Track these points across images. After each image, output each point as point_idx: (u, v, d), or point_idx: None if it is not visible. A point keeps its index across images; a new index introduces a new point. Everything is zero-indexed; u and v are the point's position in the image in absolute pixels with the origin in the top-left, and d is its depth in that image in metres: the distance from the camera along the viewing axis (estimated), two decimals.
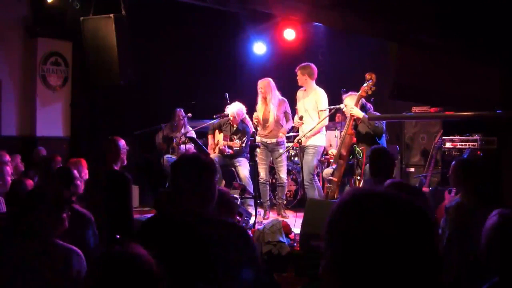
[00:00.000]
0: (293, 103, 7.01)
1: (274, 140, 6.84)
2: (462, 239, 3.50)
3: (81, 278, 2.53)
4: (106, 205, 3.78)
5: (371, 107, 6.12)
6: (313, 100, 6.55)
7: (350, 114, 5.83)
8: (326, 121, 6.61)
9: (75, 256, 2.64)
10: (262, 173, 6.84)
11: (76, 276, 2.57)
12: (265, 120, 6.80)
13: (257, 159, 6.83)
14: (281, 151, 6.84)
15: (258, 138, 6.87)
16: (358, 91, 5.90)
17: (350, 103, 5.88)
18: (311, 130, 6.41)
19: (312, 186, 6.39)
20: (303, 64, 6.66)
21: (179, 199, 2.35)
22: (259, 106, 6.85)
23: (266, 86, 6.76)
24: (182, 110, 7.87)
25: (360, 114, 5.77)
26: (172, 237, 2.26)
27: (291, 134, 7.56)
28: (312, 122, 6.45)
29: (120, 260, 1.53)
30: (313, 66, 6.64)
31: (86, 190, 4.33)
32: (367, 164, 5.73)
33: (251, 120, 7.01)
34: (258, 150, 6.76)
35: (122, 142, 4.68)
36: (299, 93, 6.78)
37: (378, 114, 6.11)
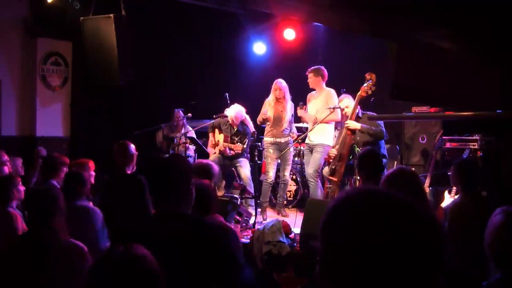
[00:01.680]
0: (294, 102, 7.05)
1: (287, 139, 6.87)
2: (460, 239, 3.50)
3: None
4: (124, 211, 3.78)
5: (360, 110, 6.09)
6: (324, 99, 6.59)
7: (347, 127, 5.85)
8: (337, 117, 6.57)
9: None
10: (271, 173, 6.82)
11: None
12: (278, 119, 6.80)
13: (267, 159, 6.83)
14: (291, 149, 6.89)
15: (270, 139, 6.85)
16: (358, 91, 5.90)
17: (350, 104, 5.90)
18: (312, 128, 6.44)
19: (316, 183, 6.41)
20: (314, 67, 6.71)
21: (156, 200, 2.45)
22: (270, 105, 6.83)
23: (286, 87, 6.82)
24: (181, 111, 7.86)
25: (357, 126, 5.80)
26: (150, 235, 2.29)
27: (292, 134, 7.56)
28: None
29: (124, 261, 1.52)
30: (324, 68, 6.71)
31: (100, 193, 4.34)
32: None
33: (254, 119, 7.01)
34: (270, 150, 6.78)
35: (133, 146, 4.69)
36: (310, 96, 6.85)
37: (375, 114, 6.13)
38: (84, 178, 3.98)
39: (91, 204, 3.92)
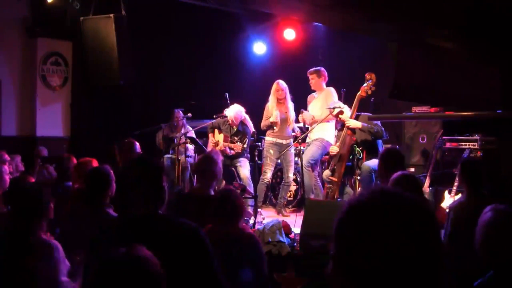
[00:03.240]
0: (294, 103, 7.05)
1: (289, 140, 6.89)
2: (464, 238, 3.50)
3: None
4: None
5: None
6: (323, 98, 6.62)
7: (347, 126, 5.86)
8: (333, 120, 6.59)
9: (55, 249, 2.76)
10: (269, 173, 6.84)
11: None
12: (284, 121, 6.83)
13: (267, 159, 6.84)
14: (292, 150, 6.90)
15: (272, 139, 6.85)
16: (358, 91, 5.91)
17: (347, 114, 5.92)
18: (312, 129, 6.45)
19: (309, 172, 6.42)
20: (314, 68, 6.73)
21: (129, 201, 2.40)
22: (274, 107, 6.83)
23: (286, 87, 6.84)
24: (180, 111, 7.86)
25: (358, 124, 5.81)
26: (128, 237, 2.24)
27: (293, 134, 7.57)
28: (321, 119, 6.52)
29: (127, 262, 1.51)
30: (323, 69, 6.76)
31: None
32: (364, 163, 5.77)
33: (254, 120, 7.02)
34: (271, 151, 6.79)
35: (138, 145, 4.66)
36: (311, 98, 6.87)
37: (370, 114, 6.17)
38: (111, 178, 3.72)
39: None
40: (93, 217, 3.47)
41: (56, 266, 2.73)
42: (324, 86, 6.74)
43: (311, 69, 6.75)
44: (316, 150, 6.50)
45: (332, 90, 6.66)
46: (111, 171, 3.75)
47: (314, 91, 6.86)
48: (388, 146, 6.61)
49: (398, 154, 4.29)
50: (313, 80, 6.70)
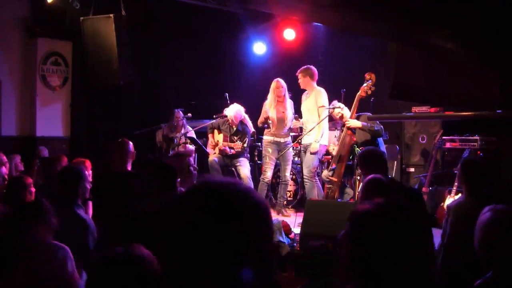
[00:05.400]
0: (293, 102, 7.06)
1: (287, 139, 6.87)
2: (464, 238, 3.50)
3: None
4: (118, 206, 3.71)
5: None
6: (314, 98, 6.59)
7: (347, 126, 5.87)
8: (326, 119, 6.60)
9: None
10: (269, 172, 6.82)
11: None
12: (281, 120, 6.81)
13: (266, 158, 6.83)
14: (290, 149, 6.90)
15: (270, 138, 6.85)
16: (358, 91, 5.91)
17: (347, 114, 5.93)
18: (311, 129, 6.44)
19: (312, 183, 6.42)
20: (303, 67, 6.71)
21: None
22: (270, 105, 6.82)
23: (285, 86, 6.84)
24: (180, 111, 7.85)
25: (358, 124, 5.80)
26: None
27: (292, 133, 7.56)
28: (313, 120, 6.49)
29: (124, 262, 1.51)
30: (313, 67, 6.70)
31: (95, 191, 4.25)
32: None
33: (254, 120, 7.02)
34: (269, 150, 6.78)
35: (131, 144, 4.70)
36: (303, 97, 6.85)
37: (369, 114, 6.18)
38: (81, 175, 3.68)
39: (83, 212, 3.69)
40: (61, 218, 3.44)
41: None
42: (314, 84, 6.70)
43: (300, 68, 6.73)
44: (313, 157, 6.49)
45: (322, 90, 6.61)
46: (83, 171, 3.70)
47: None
48: (388, 146, 6.62)
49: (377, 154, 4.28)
50: (300, 79, 6.68)
